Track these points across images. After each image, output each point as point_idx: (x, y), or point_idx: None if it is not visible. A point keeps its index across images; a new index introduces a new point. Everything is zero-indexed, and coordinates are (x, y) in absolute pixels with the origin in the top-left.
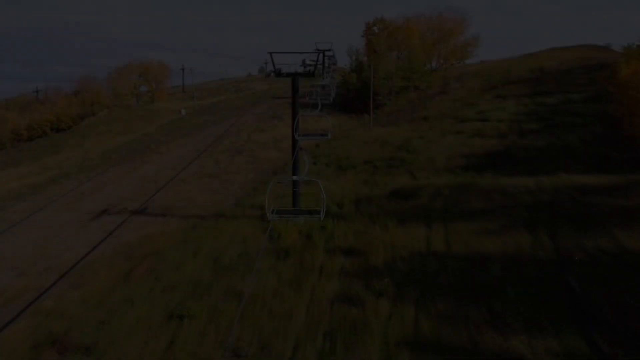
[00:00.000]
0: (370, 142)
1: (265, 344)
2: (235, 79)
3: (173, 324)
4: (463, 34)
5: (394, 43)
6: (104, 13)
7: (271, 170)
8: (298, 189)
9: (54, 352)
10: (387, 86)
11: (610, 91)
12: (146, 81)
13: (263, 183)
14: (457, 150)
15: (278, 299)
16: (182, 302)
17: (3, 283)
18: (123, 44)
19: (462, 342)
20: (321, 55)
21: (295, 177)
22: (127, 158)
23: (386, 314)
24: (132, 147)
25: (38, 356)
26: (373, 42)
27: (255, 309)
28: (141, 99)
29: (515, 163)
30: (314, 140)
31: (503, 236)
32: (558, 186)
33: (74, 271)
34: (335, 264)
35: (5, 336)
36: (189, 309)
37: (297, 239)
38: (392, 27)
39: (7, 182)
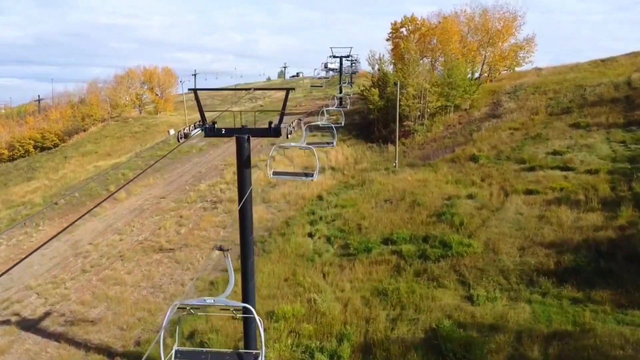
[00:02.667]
0: (395, 200)
1: None
2: (252, 85)
3: None
4: (515, 35)
5: (427, 48)
6: (138, 16)
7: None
8: None
9: None
10: (419, 107)
11: None
12: (150, 90)
13: (225, 272)
14: (534, 230)
15: None
16: None
17: None
18: (155, 45)
19: None
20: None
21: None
22: (75, 205)
23: None
24: (92, 186)
25: None
26: (401, 47)
27: None
28: (145, 109)
29: None
30: (301, 180)
31: None
32: None
33: None
34: None
35: None
36: None
37: None
38: (424, 27)
39: None
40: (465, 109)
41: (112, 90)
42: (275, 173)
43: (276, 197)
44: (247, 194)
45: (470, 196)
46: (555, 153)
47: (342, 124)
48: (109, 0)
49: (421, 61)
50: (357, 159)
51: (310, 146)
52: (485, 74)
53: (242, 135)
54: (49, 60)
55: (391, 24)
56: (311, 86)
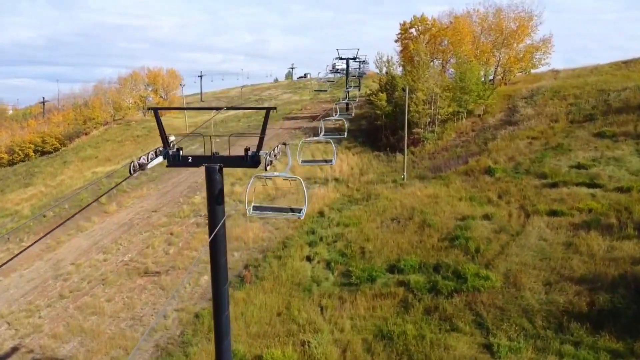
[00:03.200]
0: (402, 220)
1: None
2: (259, 87)
3: None
4: (530, 36)
5: (437, 49)
6: (148, 17)
7: (244, 262)
8: None
9: None
10: (429, 113)
11: None
12: (154, 92)
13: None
14: (561, 261)
15: None
16: None
17: None
18: (166, 45)
19: None
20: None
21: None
22: (64, 218)
23: None
24: (83, 197)
25: None
26: (410, 49)
27: None
28: (149, 111)
29: None
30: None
31: None
32: None
33: None
34: None
35: None
36: None
37: None
38: (435, 28)
39: None
40: (479, 115)
41: (115, 93)
42: (255, 208)
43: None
44: (218, 229)
45: (486, 216)
46: (579, 166)
47: (345, 135)
48: (119, 1)
49: (431, 63)
50: (363, 169)
51: (295, 177)
52: (499, 77)
53: (212, 165)
54: (60, 61)
55: (400, 24)
56: (314, 90)
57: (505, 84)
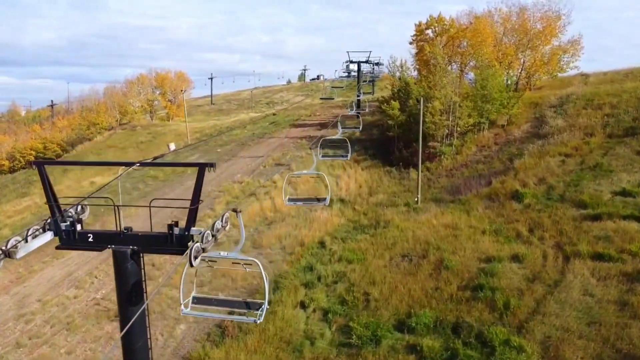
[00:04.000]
0: (415, 257)
1: None
2: (271, 89)
3: None
4: (558, 37)
5: (456, 52)
6: (167, 17)
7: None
8: None
9: None
10: (447, 124)
11: None
12: (162, 95)
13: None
14: (615, 329)
15: None
16: None
17: None
18: (185, 46)
19: None
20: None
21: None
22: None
23: None
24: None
25: None
26: (426, 52)
27: None
28: (157, 115)
29: None
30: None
31: None
32: None
33: None
34: None
35: None
36: None
37: None
38: (453, 29)
39: None
40: (502, 126)
41: (121, 96)
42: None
43: (270, 241)
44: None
45: (515, 257)
46: (624, 193)
47: (348, 157)
48: (139, 2)
49: (449, 67)
50: (373, 187)
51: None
52: (524, 82)
53: (122, 248)
54: (81, 62)
55: (415, 25)
56: (321, 98)
57: (529, 89)
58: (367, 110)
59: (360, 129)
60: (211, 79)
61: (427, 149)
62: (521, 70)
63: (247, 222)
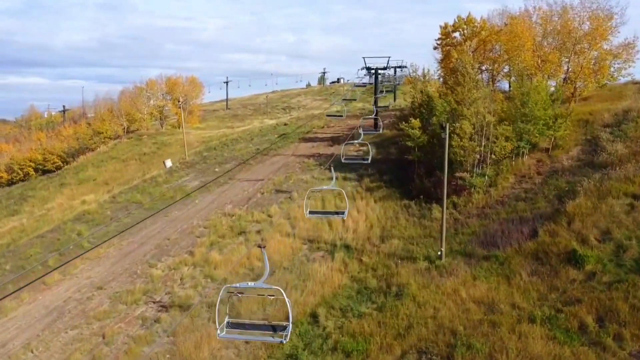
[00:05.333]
0: (437, 356)
1: None
2: (288, 93)
3: None
4: (609, 40)
5: (487, 57)
6: (194, 19)
7: None
8: None
9: None
10: (478, 149)
11: None
12: (173, 101)
13: None
14: None
15: None
16: None
17: None
18: (211, 47)
19: None
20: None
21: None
22: (8, 277)
23: None
24: (32, 253)
25: None
26: (453, 59)
27: None
28: (167, 121)
29: None
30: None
31: None
32: None
33: None
34: None
35: None
36: None
37: None
38: (485, 31)
39: None
40: (546, 150)
41: (128, 103)
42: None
43: (250, 308)
44: None
45: None
46: None
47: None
48: (166, 4)
49: (480, 77)
50: (386, 228)
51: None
52: (568, 93)
53: None
54: (110, 63)
55: (440, 27)
56: (327, 115)
57: (574, 101)
58: (381, 131)
59: (369, 160)
60: (226, 82)
61: (454, 179)
62: (565, 79)
63: (229, 276)
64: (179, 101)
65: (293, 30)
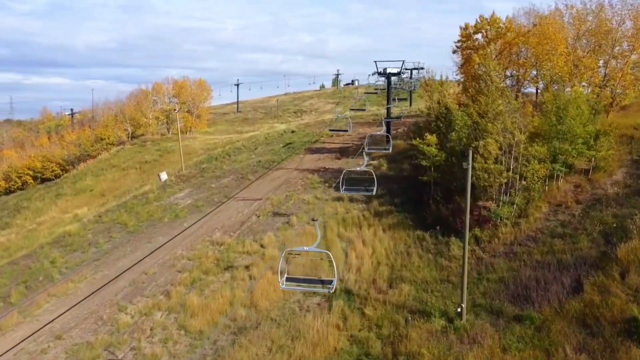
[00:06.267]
0: None
1: None
2: (300, 95)
3: None
4: None
5: (513, 61)
6: (212, 19)
7: None
8: None
9: None
10: (506, 174)
11: None
12: (180, 104)
13: None
14: None
15: None
16: None
17: None
18: (229, 47)
19: None
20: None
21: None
22: None
23: None
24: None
25: None
26: (474, 64)
27: None
28: (173, 126)
29: None
30: None
31: None
32: None
33: None
34: None
35: None
36: None
37: None
38: (511, 32)
39: None
40: (585, 171)
41: (133, 108)
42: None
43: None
44: None
45: None
46: None
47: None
48: (185, 4)
49: (504, 84)
50: (395, 267)
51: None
52: (606, 102)
53: None
54: (130, 63)
55: (461, 27)
56: (330, 130)
57: (612, 112)
58: (390, 150)
59: (374, 192)
60: (237, 85)
61: (477, 208)
62: (603, 86)
63: (205, 327)
64: (175, 110)
65: (310, 30)
